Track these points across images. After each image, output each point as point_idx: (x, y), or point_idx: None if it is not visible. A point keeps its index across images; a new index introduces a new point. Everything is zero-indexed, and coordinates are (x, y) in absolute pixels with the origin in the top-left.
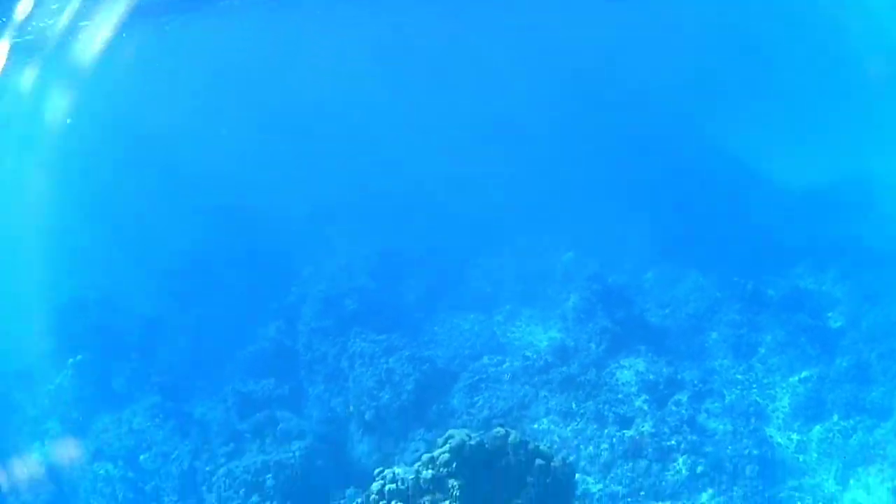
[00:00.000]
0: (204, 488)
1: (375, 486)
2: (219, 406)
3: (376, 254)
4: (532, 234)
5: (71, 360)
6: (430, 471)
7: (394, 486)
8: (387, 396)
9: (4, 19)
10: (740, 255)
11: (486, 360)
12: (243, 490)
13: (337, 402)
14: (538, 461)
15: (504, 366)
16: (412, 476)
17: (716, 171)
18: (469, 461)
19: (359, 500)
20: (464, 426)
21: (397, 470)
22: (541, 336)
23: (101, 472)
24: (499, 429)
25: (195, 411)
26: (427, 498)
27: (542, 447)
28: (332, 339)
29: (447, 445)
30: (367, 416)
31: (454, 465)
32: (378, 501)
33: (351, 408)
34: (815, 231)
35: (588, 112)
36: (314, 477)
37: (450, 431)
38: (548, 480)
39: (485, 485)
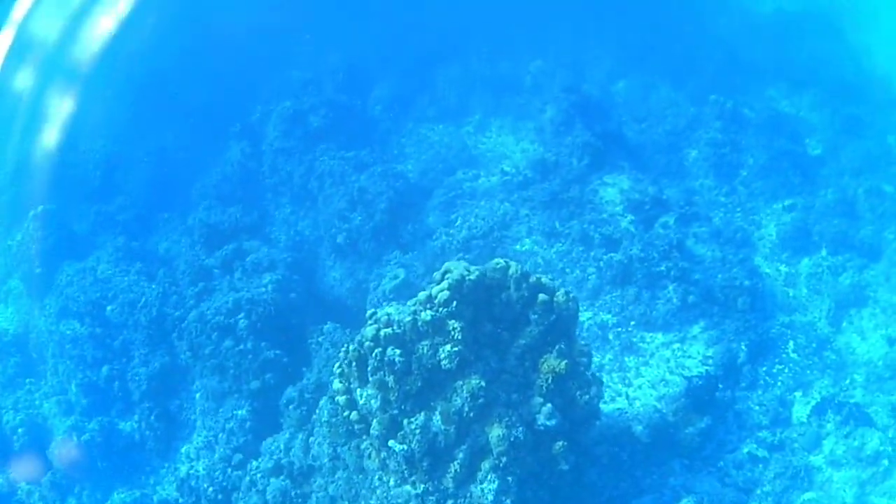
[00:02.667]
0: (175, 336)
1: (369, 331)
2: (184, 240)
3: (342, 66)
4: (497, 40)
5: (32, 211)
6: (428, 312)
7: (389, 330)
8: (359, 218)
9: None
10: (710, 71)
11: (460, 174)
12: (216, 334)
13: (304, 224)
14: (541, 296)
15: (480, 181)
16: (409, 318)
17: None
18: (469, 298)
19: (350, 346)
20: (442, 248)
21: (391, 311)
22: (513, 148)
23: (68, 331)
24: (498, 260)
25: (160, 248)
26: (426, 342)
27: (544, 280)
28: (297, 157)
29: (445, 282)
30: (338, 240)
31: (454, 305)
32: (373, 349)
33: (321, 231)
34: (785, 54)
35: None
36: (288, 312)
37: (447, 265)
38: (552, 317)
39: (486, 324)
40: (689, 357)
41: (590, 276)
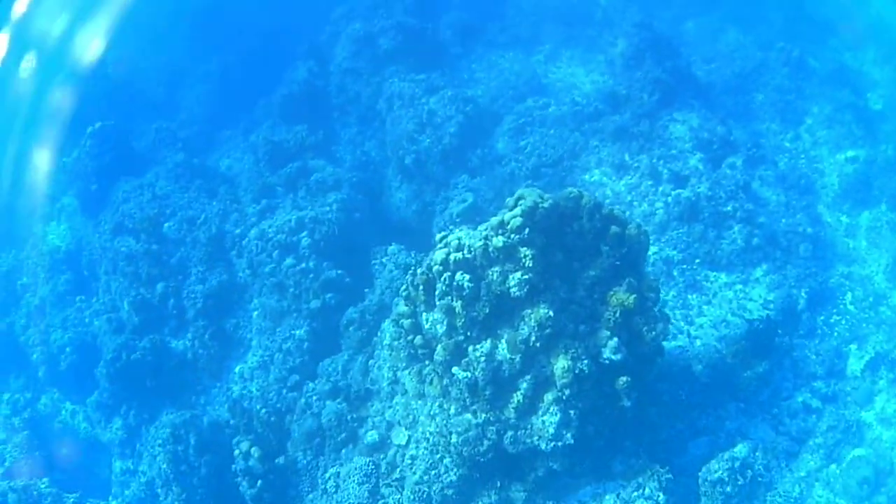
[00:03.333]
0: (234, 253)
1: (438, 254)
2: (248, 158)
3: None
4: None
5: (90, 128)
6: (500, 238)
7: (459, 255)
8: (428, 140)
9: None
10: (777, 19)
11: (530, 102)
12: (276, 252)
13: (371, 145)
14: (613, 228)
15: (550, 109)
16: (480, 243)
17: None
18: (541, 226)
19: (418, 270)
20: (511, 174)
21: (461, 235)
22: (583, 79)
23: (123, 247)
24: (571, 189)
25: (221, 164)
26: (496, 269)
27: (616, 212)
28: (366, 79)
29: (518, 208)
30: (406, 161)
31: (526, 232)
32: (442, 273)
33: (388, 152)
34: (850, 9)
35: None
36: (352, 232)
37: (520, 191)
38: (623, 250)
39: (556, 253)
40: (751, 300)
41: (657, 210)
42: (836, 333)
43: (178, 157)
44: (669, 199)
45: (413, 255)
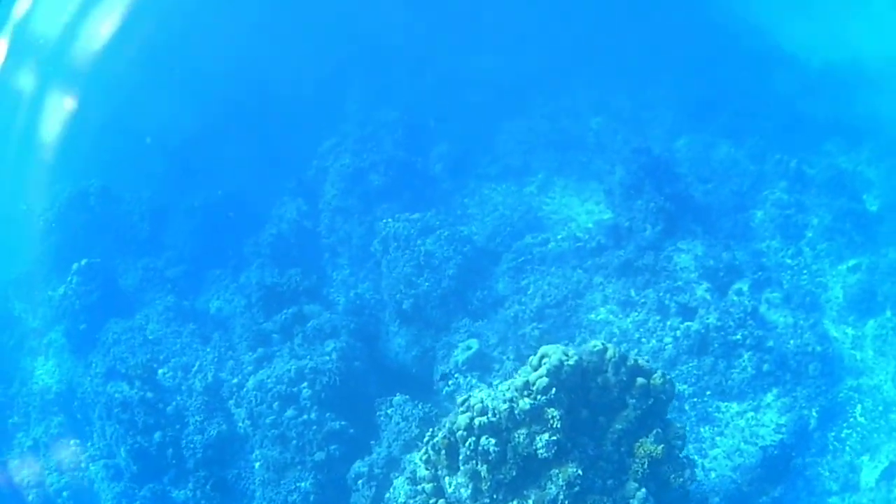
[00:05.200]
0: (232, 403)
1: (462, 419)
2: (238, 300)
3: (400, 121)
4: (555, 96)
5: (76, 265)
6: (526, 400)
7: (484, 419)
8: (426, 283)
9: None
10: (768, 127)
11: (528, 238)
12: (277, 403)
13: (365, 287)
14: (640, 380)
15: (549, 245)
16: (505, 407)
17: (736, 37)
18: (567, 384)
19: (437, 437)
20: (515, 317)
21: (483, 396)
22: (578, 209)
23: (117, 394)
24: (595, 343)
25: (211, 306)
26: (522, 431)
27: (641, 362)
28: (357, 217)
29: (543, 367)
30: (404, 306)
31: (552, 392)
32: (466, 438)
33: (384, 296)
34: (838, 108)
35: None
36: (353, 381)
37: (543, 349)
38: (650, 402)
39: (582, 410)
40: (763, 426)
41: (666, 346)
42: (847, 447)
43: (168, 299)
44: (678, 332)
45: (420, 407)
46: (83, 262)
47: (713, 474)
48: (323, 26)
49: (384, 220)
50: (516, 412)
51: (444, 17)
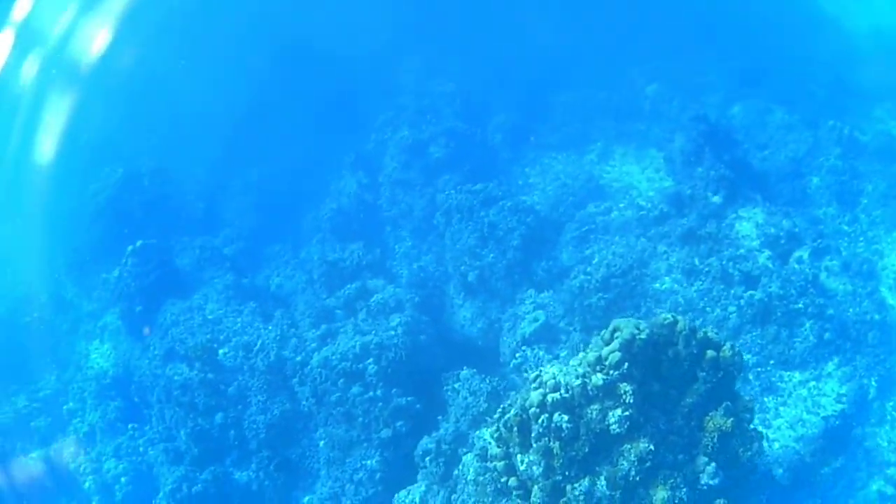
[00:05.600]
0: (296, 381)
1: (534, 396)
2: (299, 276)
3: (458, 92)
4: (609, 65)
5: (130, 246)
6: (599, 375)
7: (557, 395)
8: (491, 255)
9: None
10: (820, 94)
11: (591, 207)
12: (342, 381)
13: (427, 259)
14: (709, 353)
15: (613, 214)
16: (578, 383)
17: (785, 6)
18: (638, 358)
19: (508, 414)
20: (581, 287)
21: (555, 372)
22: (639, 177)
23: (176, 376)
24: (665, 315)
25: (271, 283)
26: (595, 406)
27: (710, 334)
28: (418, 190)
29: (616, 342)
30: (469, 278)
31: (625, 367)
32: (539, 415)
33: (448, 268)
34: (887, 74)
35: None
36: (418, 355)
37: (615, 323)
38: (720, 375)
39: (653, 383)
40: (825, 395)
41: (731, 315)
42: None
43: (227, 277)
44: (742, 301)
45: (487, 381)
46: (138, 243)
47: (777, 445)
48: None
49: (446, 192)
50: (589, 388)
51: None
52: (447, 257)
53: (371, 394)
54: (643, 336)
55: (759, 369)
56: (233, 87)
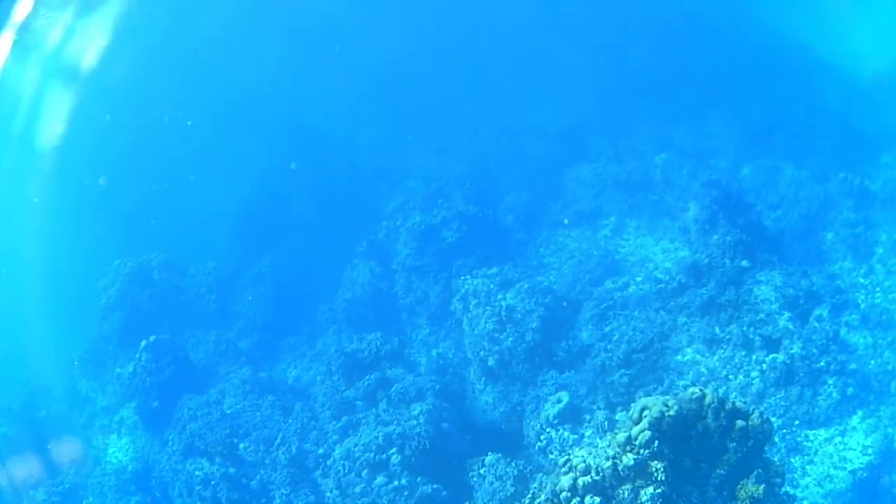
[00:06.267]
0: (319, 474)
1: (565, 480)
2: (317, 368)
3: (468, 175)
4: (617, 138)
5: (144, 341)
6: (630, 455)
7: (588, 478)
8: (510, 338)
9: None
10: (827, 145)
11: (609, 284)
12: (366, 471)
13: (446, 346)
14: (739, 423)
15: (630, 289)
16: (608, 464)
17: (785, 59)
18: (668, 435)
19: (539, 499)
20: (602, 365)
21: (584, 455)
22: (654, 249)
23: (197, 471)
24: (693, 390)
25: (288, 375)
26: (627, 487)
27: (739, 404)
28: (433, 276)
29: (645, 420)
30: (489, 363)
31: (656, 445)
32: (570, 499)
33: (469, 353)
34: (889, 119)
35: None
36: (442, 443)
37: (642, 401)
38: (750, 443)
39: (685, 459)
40: (851, 449)
41: (753, 380)
42: None
43: (243, 371)
44: (764, 366)
45: (513, 465)
46: (151, 338)
47: (805, 503)
48: (375, 83)
49: (462, 277)
50: (620, 468)
51: (498, 68)
52: (466, 343)
53: (396, 483)
54: (672, 413)
55: (784, 431)
56: (241, 177)
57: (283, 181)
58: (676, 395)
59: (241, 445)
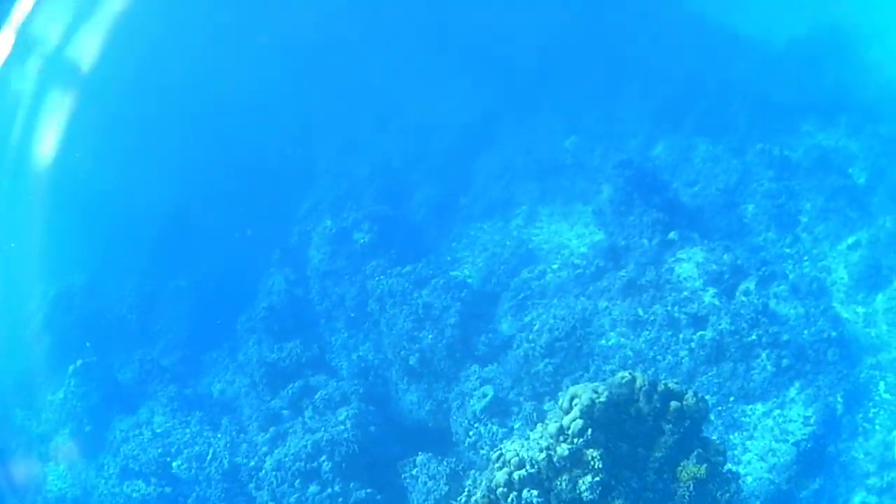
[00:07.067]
0: (252, 486)
1: (500, 475)
2: (241, 380)
3: (376, 174)
4: (524, 124)
5: (71, 366)
6: (564, 445)
7: (523, 471)
8: (430, 336)
9: None
10: (742, 119)
11: (525, 273)
12: (298, 481)
13: (365, 348)
14: (673, 404)
15: (548, 277)
16: (543, 456)
17: (695, 34)
18: (601, 421)
19: (475, 496)
20: (525, 356)
21: (517, 448)
22: (569, 234)
23: (134, 493)
24: (623, 374)
25: (213, 390)
26: (564, 477)
27: (670, 385)
28: (347, 279)
29: (576, 409)
30: (411, 362)
31: (589, 433)
32: (507, 494)
33: (388, 354)
34: (809, 86)
35: None
36: (371, 446)
37: (571, 390)
38: (686, 424)
39: (621, 444)
40: (791, 421)
41: (683, 359)
42: (878, 426)
43: (169, 389)
44: (693, 344)
45: (444, 463)
46: (78, 362)
47: (750, 479)
48: (279, 88)
49: (377, 278)
50: (555, 459)
51: (401, 62)
52: (385, 344)
53: (329, 490)
54: (603, 399)
55: (720, 408)
56: (155, 194)
57: (197, 194)
58: (605, 380)
59: (174, 464)
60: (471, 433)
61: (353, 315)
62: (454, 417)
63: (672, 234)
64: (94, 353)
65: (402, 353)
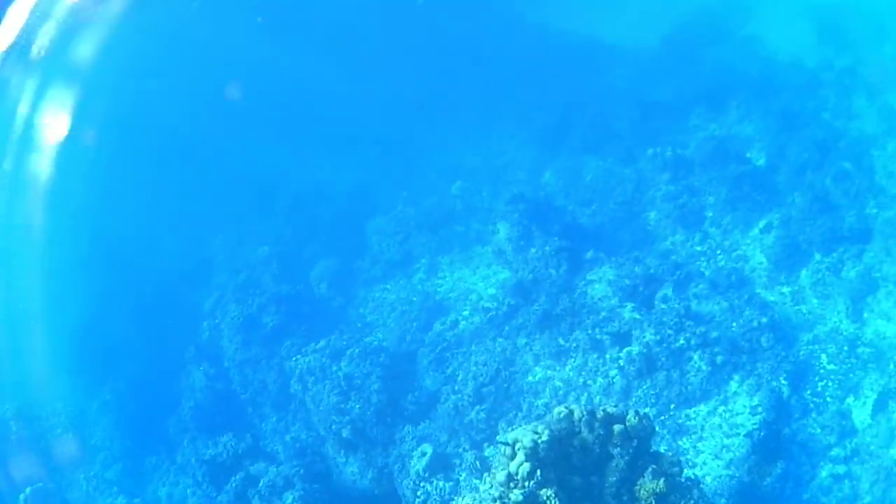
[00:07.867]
0: None
1: None
2: (184, 481)
3: (271, 255)
4: (407, 179)
5: (22, 495)
6: (516, 491)
7: None
8: (357, 406)
9: None
10: (626, 127)
11: (437, 326)
12: None
13: (297, 429)
14: (616, 427)
15: (461, 326)
16: None
17: (564, 55)
18: (548, 461)
19: None
20: (455, 407)
21: (469, 502)
22: (473, 279)
23: None
24: (559, 409)
25: (160, 494)
26: None
27: (609, 409)
28: (265, 363)
29: (520, 453)
30: (344, 434)
31: (538, 474)
32: None
33: (321, 430)
34: (687, 79)
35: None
36: None
37: (511, 435)
38: (634, 443)
39: (572, 477)
40: (738, 414)
41: (614, 379)
42: (829, 398)
43: (119, 501)
44: (621, 362)
45: None
46: (28, 490)
47: (709, 479)
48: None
49: (293, 358)
50: None
51: (276, 139)
52: (315, 421)
53: None
54: (545, 438)
55: (662, 418)
56: (70, 306)
57: (103, 304)
58: (543, 419)
59: None
60: (418, 493)
61: (277, 398)
62: (399, 480)
63: (589, 254)
64: (41, 479)
65: (334, 427)
